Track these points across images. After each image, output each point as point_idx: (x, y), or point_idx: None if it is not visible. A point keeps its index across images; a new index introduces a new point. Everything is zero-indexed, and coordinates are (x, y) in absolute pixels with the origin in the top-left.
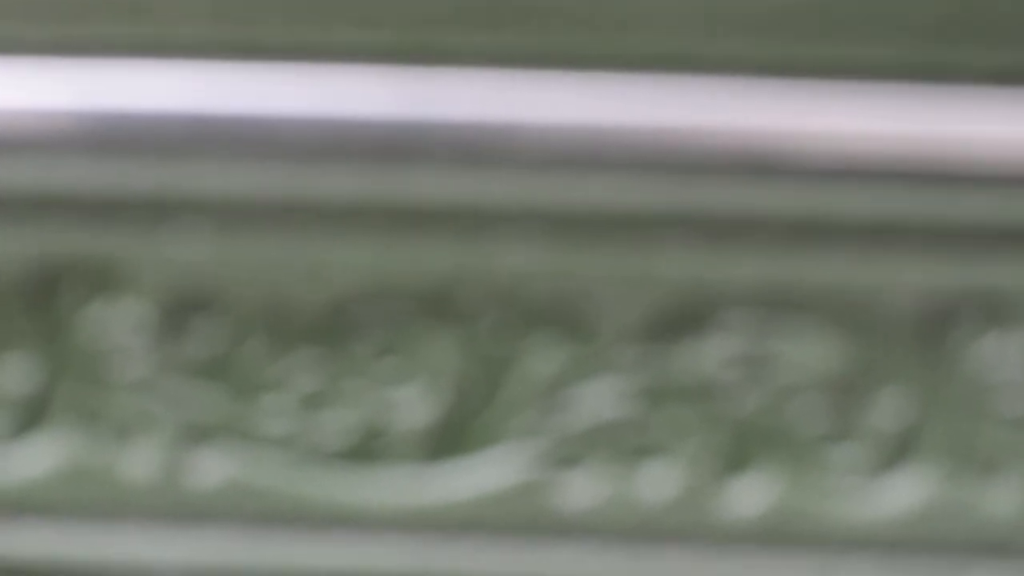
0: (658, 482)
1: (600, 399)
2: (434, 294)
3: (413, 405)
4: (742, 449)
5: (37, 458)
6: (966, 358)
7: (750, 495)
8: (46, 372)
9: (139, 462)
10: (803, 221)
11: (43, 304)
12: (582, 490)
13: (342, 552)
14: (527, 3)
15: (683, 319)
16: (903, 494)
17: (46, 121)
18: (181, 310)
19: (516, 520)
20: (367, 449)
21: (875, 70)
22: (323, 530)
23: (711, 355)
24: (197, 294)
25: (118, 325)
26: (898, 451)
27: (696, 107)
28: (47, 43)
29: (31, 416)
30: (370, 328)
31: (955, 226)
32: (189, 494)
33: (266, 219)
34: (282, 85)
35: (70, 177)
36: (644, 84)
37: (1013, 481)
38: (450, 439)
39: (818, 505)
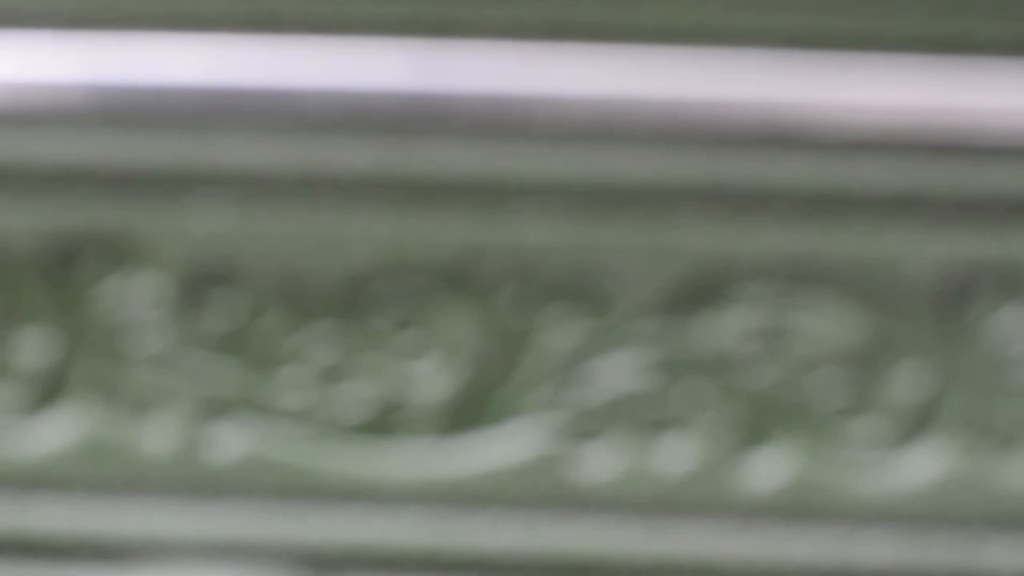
0: (676, 455)
1: (618, 372)
2: (452, 267)
3: (431, 378)
4: (760, 422)
5: (55, 432)
6: (984, 331)
7: (768, 468)
8: (64, 346)
9: (157, 436)
10: (822, 193)
11: (61, 278)
12: (600, 463)
13: (360, 525)
14: None
15: (702, 292)
16: (921, 467)
17: (65, 95)
18: (199, 284)
19: (534, 493)
20: (385, 422)
21: (893, 42)
22: (341, 503)
23: (730, 328)
24: (215, 268)
25: (136, 299)
26: (916, 424)
27: (715, 79)
28: (66, 17)
29: (49, 390)
30: (388, 301)
31: (973, 198)
32: (207, 468)
33: (284, 192)
34: (300, 58)
35: (88, 151)
36: (662, 56)
37: None
38: (468, 412)
39: (836, 478)
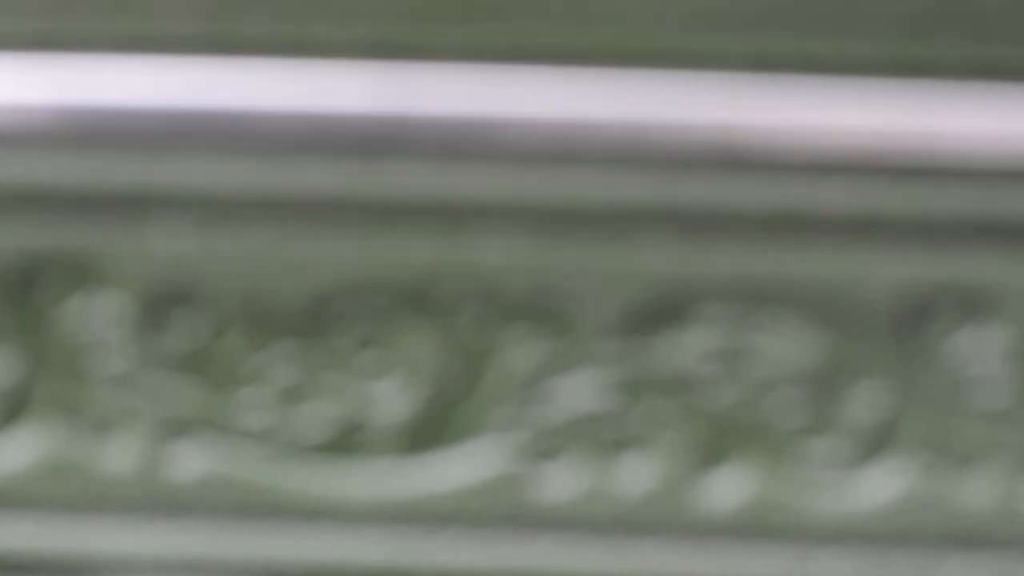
0: (636, 475)
1: (579, 392)
2: (413, 288)
3: (392, 398)
4: (720, 442)
5: (17, 452)
6: (943, 352)
7: (728, 488)
8: (26, 366)
9: (119, 455)
10: (780, 215)
11: (23, 298)
12: (561, 482)
13: (321, 545)
14: None
15: (661, 312)
16: (880, 487)
17: (26, 116)
18: (161, 304)
19: (495, 512)
20: (346, 442)
21: (852, 64)
22: (302, 523)
23: (689, 348)
24: (177, 288)
25: (98, 319)
26: (875, 444)
27: (674, 102)
28: (28, 38)
29: (11, 410)
30: (349, 321)
31: (932, 220)
32: (168, 487)
33: (246, 213)
34: (262, 80)
35: (50, 171)
36: (621, 79)
37: (989, 474)
38: (429, 432)
39: (795, 498)
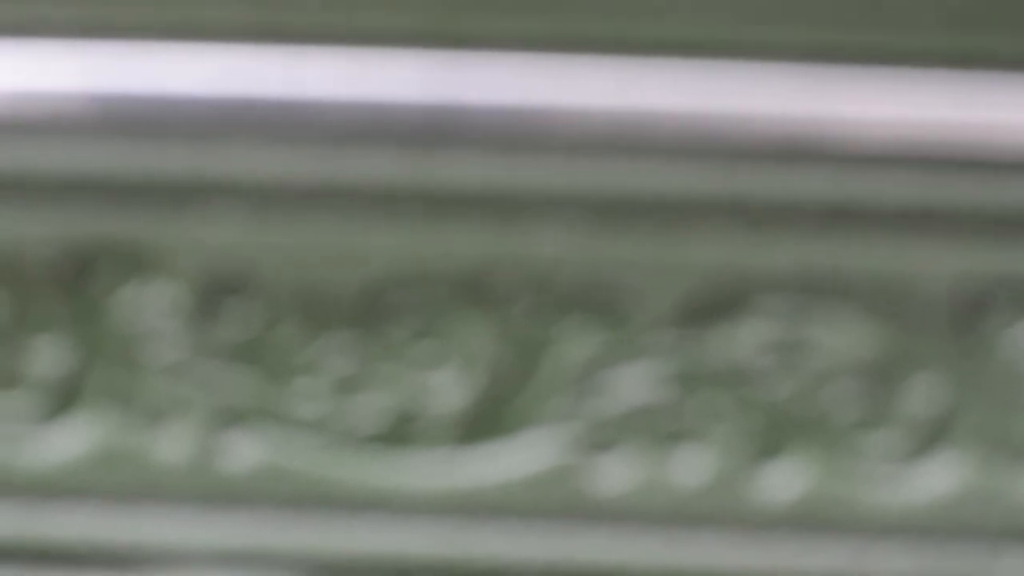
0: (691, 467)
1: (634, 384)
2: (468, 278)
3: (447, 389)
4: (776, 435)
5: (70, 441)
6: (1000, 344)
7: (783, 481)
8: (79, 355)
9: (172, 445)
10: (839, 207)
11: (76, 287)
12: (615, 475)
13: (374, 536)
14: None
15: (718, 304)
16: (936, 480)
17: (81, 104)
18: (214, 293)
19: (549, 504)
20: (400, 433)
21: (912, 56)
22: (355, 514)
23: (746, 340)
24: (231, 277)
25: (151, 308)
26: (931, 437)
27: (732, 93)
28: (82, 26)
29: (64, 399)
30: (404, 312)
31: (990, 212)
32: (221, 477)
33: (300, 202)
34: (316, 68)
35: (104, 160)
36: (679, 69)
37: None
38: (483, 423)
39: (851, 491)
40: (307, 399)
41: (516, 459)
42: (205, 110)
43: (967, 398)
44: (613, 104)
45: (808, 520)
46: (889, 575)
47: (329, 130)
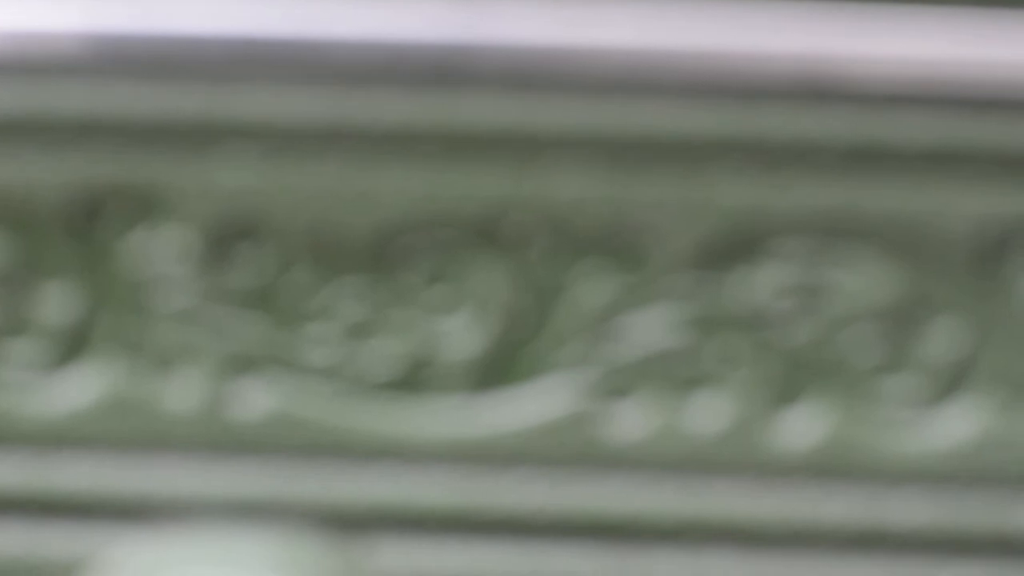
0: (709, 413)
1: (651, 328)
2: (483, 221)
3: (461, 334)
4: (794, 380)
5: (79, 389)
6: (1022, 288)
7: (802, 426)
8: (88, 301)
9: (182, 392)
10: (858, 148)
11: (85, 231)
12: (632, 421)
13: (387, 484)
14: None
15: (736, 247)
16: (956, 426)
17: (90, 45)
18: (225, 238)
19: (564, 451)
20: (414, 379)
21: None
22: (368, 461)
23: (764, 284)
24: (242, 221)
25: (161, 253)
26: (952, 382)
27: (750, 31)
28: None
29: (73, 346)
30: (418, 256)
31: (1012, 154)
32: (232, 425)
33: (312, 145)
34: (329, 8)
35: (113, 103)
36: (697, 8)
37: None
38: (498, 369)
39: (870, 437)
40: (319, 345)
41: (531, 406)
42: (216, 51)
43: (988, 342)
44: (630, 43)
45: (827, 467)
46: (909, 522)
47: (342, 71)
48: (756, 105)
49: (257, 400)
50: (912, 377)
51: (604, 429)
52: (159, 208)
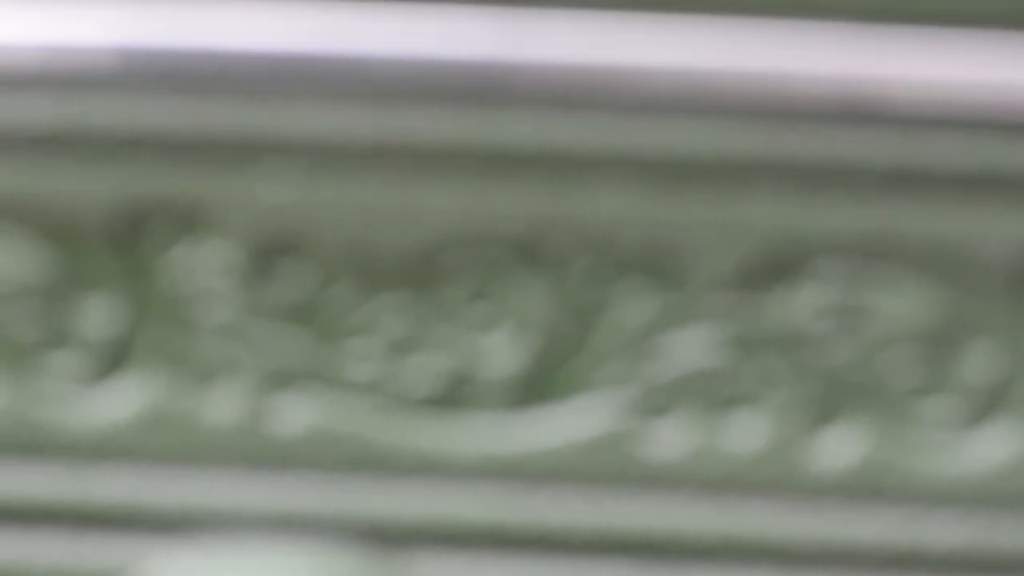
0: (747, 433)
1: (690, 348)
2: (525, 239)
3: (502, 351)
4: (832, 400)
5: (120, 401)
6: None
7: (839, 447)
8: (130, 314)
9: (222, 407)
10: (898, 170)
11: (129, 245)
12: (670, 440)
13: (426, 499)
14: None
15: (776, 268)
16: (993, 448)
17: (136, 60)
18: (268, 253)
19: (603, 469)
20: (454, 396)
21: (973, 17)
22: (408, 477)
23: (803, 305)
24: (284, 237)
25: (204, 268)
26: (988, 405)
27: (793, 53)
28: None
29: (115, 359)
30: (459, 273)
31: None
32: (272, 439)
33: (355, 161)
34: (373, 25)
35: (159, 118)
36: (740, 29)
37: None
38: (538, 386)
39: (907, 458)
40: (360, 361)
41: (570, 424)
42: (261, 67)
43: None
44: (672, 64)
45: (863, 488)
46: (945, 544)
47: (386, 88)
48: (797, 126)
49: (297, 415)
50: (949, 399)
51: (642, 447)
52: (202, 223)
